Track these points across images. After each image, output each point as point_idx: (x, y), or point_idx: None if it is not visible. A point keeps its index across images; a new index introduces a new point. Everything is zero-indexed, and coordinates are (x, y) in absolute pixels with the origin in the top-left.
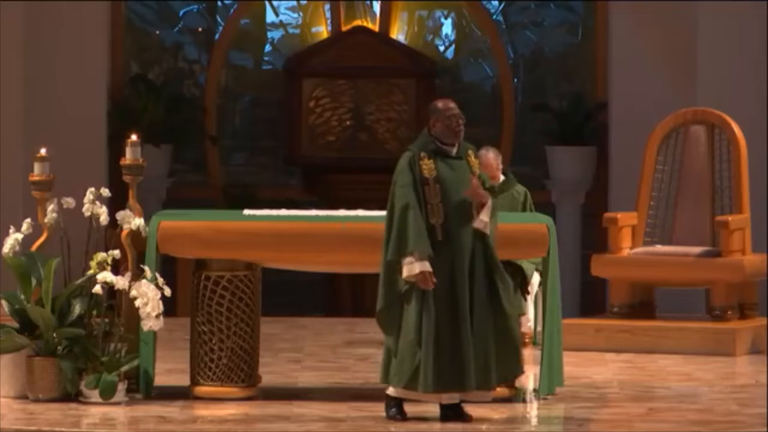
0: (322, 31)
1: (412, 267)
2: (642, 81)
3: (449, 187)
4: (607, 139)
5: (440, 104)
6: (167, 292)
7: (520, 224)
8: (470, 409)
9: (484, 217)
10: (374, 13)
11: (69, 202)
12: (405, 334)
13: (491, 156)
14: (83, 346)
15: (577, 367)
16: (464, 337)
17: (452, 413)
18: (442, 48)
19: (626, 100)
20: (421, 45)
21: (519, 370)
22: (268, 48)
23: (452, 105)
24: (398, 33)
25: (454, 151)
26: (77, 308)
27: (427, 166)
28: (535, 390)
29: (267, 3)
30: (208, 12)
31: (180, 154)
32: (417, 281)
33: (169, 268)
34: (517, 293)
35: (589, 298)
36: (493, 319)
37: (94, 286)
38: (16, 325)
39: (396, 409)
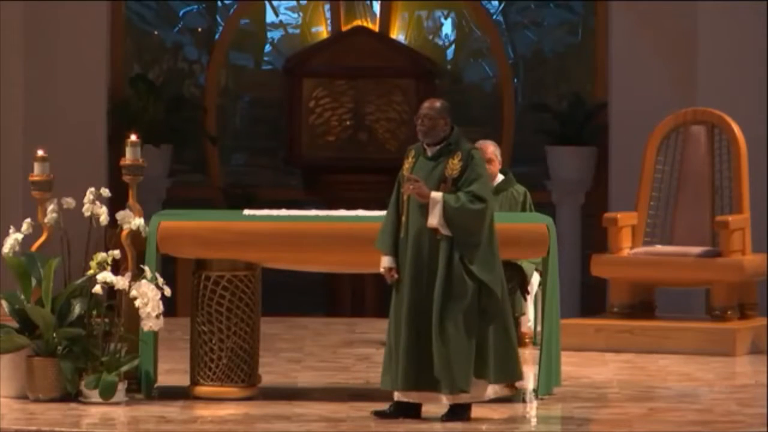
0: (322, 31)
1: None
2: (642, 81)
3: None
4: (607, 139)
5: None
6: (167, 292)
7: (520, 224)
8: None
9: (431, 219)
10: (374, 13)
11: (69, 202)
12: None
13: (490, 148)
14: (83, 346)
15: (577, 367)
16: (404, 335)
17: (449, 415)
18: (442, 48)
19: (626, 100)
20: (421, 45)
21: (453, 385)
22: (268, 48)
23: (424, 105)
24: (398, 33)
25: (430, 152)
26: (77, 308)
27: (408, 164)
28: (534, 390)
29: (267, 3)
30: (208, 12)
31: (180, 154)
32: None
33: (169, 268)
34: (516, 294)
35: (589, 298)
36: (440, 323)
37: (94, 286)
38: (16, 325)
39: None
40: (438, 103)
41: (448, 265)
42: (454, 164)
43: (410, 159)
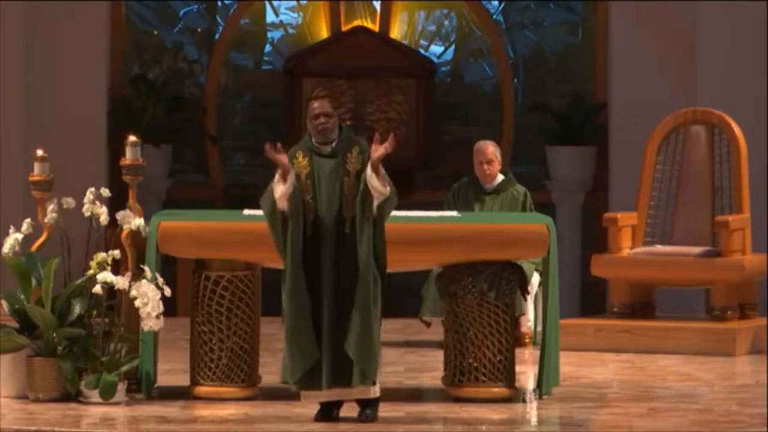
0: (323, 31)
1: None
2: (642, 81)
3: (319, 184)
4: (607, 139)
5: (310, 103)
6: (167, 292)
7: (520, 224)
8: (469, 410)
9: (374, 179)
10: (374, 13)
11: (69, 202)
12: None
13: (490, 148)
14: (83, 346)
15: (577, 367)
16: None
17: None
18: (442, 48)
19: (626, 100)
20: (421, 45)
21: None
22: (268, 48)
23: (316, 105)
24: (398, 33)
25: (326, 149)
26: (77, 308)
27: (300, 163)
28: (534, 390)
29: (267, 3)
30: (208, 12)
31: (180, 154)
32: None
33: (169, 268)
34: (516, 294)
35: (589, 298)
36: (343, 321)
37: (94, 286)
38: (16, 325)
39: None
40: (327, 101)
41: (358, 266)
42: (354, 158)
43: (302, 160)
